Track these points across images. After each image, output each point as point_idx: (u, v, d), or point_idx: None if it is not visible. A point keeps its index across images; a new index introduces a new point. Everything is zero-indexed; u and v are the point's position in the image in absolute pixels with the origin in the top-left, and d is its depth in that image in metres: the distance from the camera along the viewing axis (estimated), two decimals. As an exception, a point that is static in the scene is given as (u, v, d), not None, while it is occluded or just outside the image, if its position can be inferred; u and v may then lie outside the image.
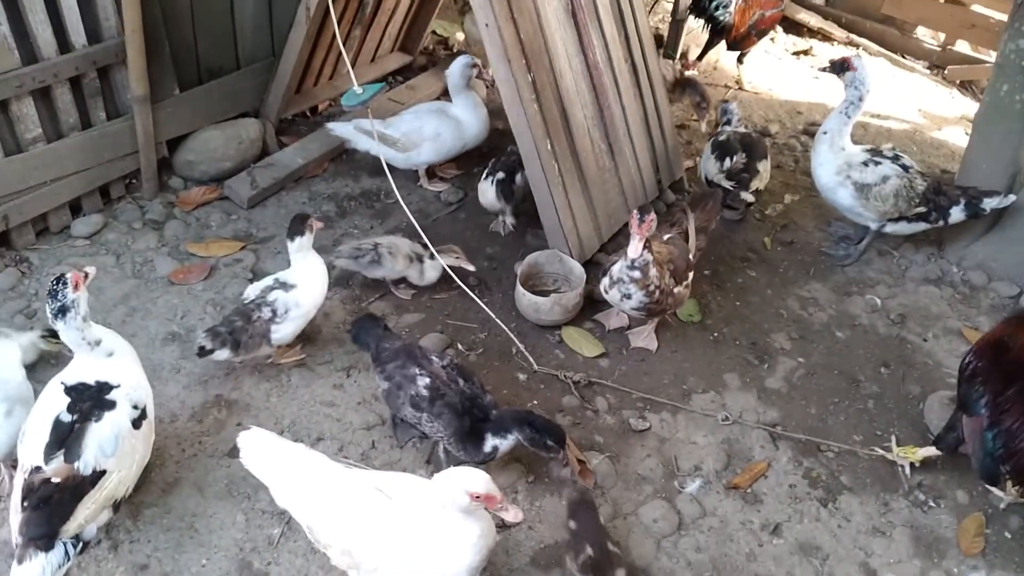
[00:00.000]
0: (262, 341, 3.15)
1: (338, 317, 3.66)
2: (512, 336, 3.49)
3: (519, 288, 3.68)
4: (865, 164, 4.04)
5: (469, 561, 2.24)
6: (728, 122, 4.76)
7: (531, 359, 3.48)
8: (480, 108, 4.45)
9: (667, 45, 6.37)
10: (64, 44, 3.65)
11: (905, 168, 4.04)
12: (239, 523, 2.74)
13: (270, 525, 2.74)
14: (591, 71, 4.11)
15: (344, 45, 4.94)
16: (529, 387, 3.42)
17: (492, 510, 2.15)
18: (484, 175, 4.13)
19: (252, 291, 3.28)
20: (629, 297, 3.31)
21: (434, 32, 6.18)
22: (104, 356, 2.55)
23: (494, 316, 3.48)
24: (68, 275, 2.47)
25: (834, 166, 4.07)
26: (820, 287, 4.21)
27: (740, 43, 6.05)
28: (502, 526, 2.77)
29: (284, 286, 3.22)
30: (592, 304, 3.81)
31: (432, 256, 3.65)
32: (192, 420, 3.08)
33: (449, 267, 3.64)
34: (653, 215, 3.12)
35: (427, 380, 2.84)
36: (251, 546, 2.68)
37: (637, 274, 3.23)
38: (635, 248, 3.12)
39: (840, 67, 4.03)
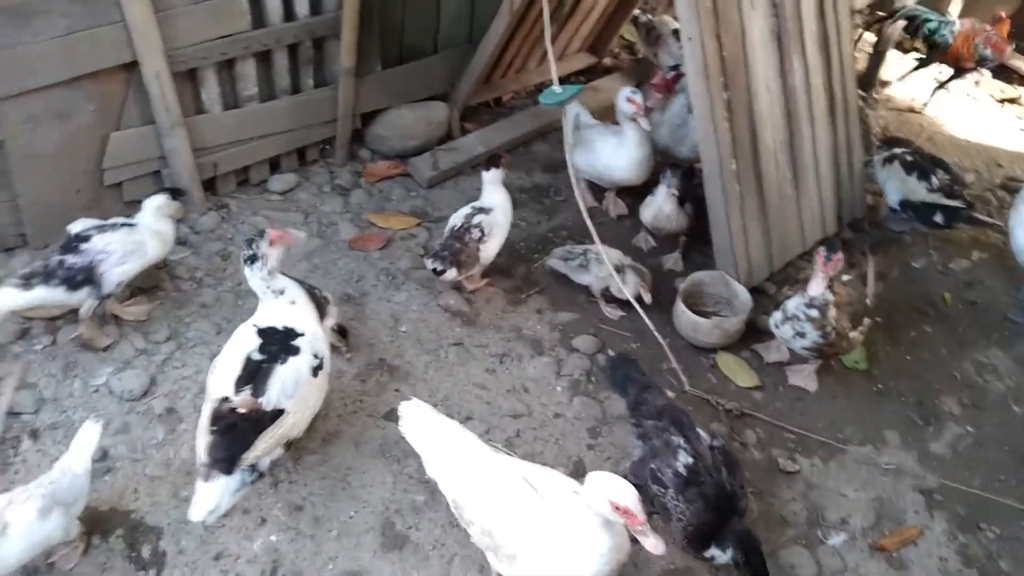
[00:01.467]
0: (476, 259, 3.58)
1: (497, 304, 3.76)
2: (668, 352, 3.46)
3: (679, 305, 3.64)
4: None
5: (595, 570, 2.24)
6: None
7: (684, 378, 3.43)
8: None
9: (864, 77, 6.09)
10: (289, 13, 3.94)
11: None
12: (387, 484, 2.87)
13: (416, 491, 2.86)
14: (787, 95, 3.99)
15: (537, 43, 5.08)
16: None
17: (631, 529, 2.14)
18: (656, 192, 3.97)
19: (457, 219, 3.68)
20: (802, 336, 3.20)
21: (621, 36, 6.18)
22: (287, 303, 2.72)
23: (653, 328, 3.46)
24: (270, 231, 2.66)
25: None
26: (1001, 355, 3.91)
27: (957, 67, 5.84)
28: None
29: (483, 211, 3.67)
30: (753, 332, 3.72)
31: (621, 271, 3.62)
32: (356, 379, 3.26)
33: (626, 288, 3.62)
34: (840, 254, 3.01)
35: (690, 460, 2.60)
36: (396, 507, 2.81)
37: (815, 313, 3.12)
38: (817, 286, 3.01)
39: None
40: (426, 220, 4.21)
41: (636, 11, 5.76)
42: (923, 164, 4.27)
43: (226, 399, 2.50)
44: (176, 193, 3.42)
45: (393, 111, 4.58)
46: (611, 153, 4.07)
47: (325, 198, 4.23)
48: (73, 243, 3.10)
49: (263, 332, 2.66)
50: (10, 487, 2.65)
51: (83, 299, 3.09)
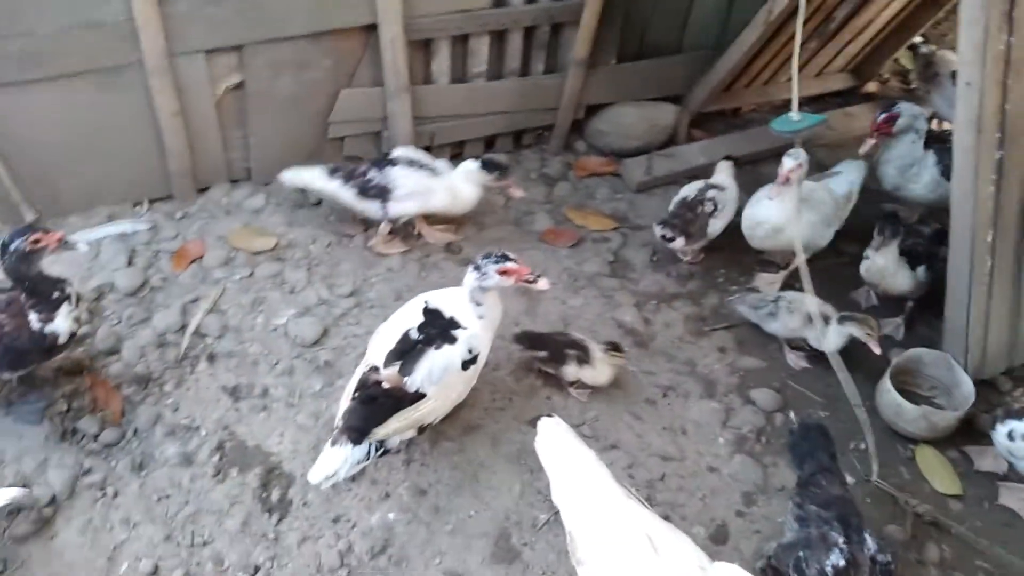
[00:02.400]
0: (703, 233, 3.64)
1: (676, 331, 3.51)
2: (866, 429, 3.02)
3: (886, 381, 3.17)
4: None
5: None
6: None
7: (875, 465, 2.99)
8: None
9: None
10: (532, -5, 3.89)
11: None
12: (514, 492, 2.78)
13: (540, 508, 2.74)
14: (1084, 165, 3.31)
15: (797, 58, 4.66)
16: (854, 494, 2.96)
17: None
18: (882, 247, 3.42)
19: (689, 191, 3.75)
20: None
21: (896, 60, 5.54)
22: (476, 316, 2.69)
23: (852, 400, 3.04)
24: (513, 264, 2.61)
25: None
26: None
27: None
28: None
29: (716, 187, 3.74)
30: (969, 431, 3.17)
31: (840, 321, 3.22)
32: (511, 376, 3.19)
33: (855, 337, 3.20)
34: None
35: (842, 563, 2.29)
36: (516, 519, 2.71)
37: None
38: None
39: None
40: (624, 225, 4.03)
41: (919, 38, 5.13)
42: None
43: (375, 369, 2.53)
44: (492, 166, 3.59)
45: (618, 107, 4.43)
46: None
47: (530, 184, 4.18)
48: (382, 162, 3.53)
49: (429, 312, 2.66)
50: (180, 402, 2.91)
51: (366, 209, 3.53)
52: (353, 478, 2.69)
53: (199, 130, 3.63)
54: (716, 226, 3.69)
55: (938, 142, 3.79)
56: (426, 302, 2.70)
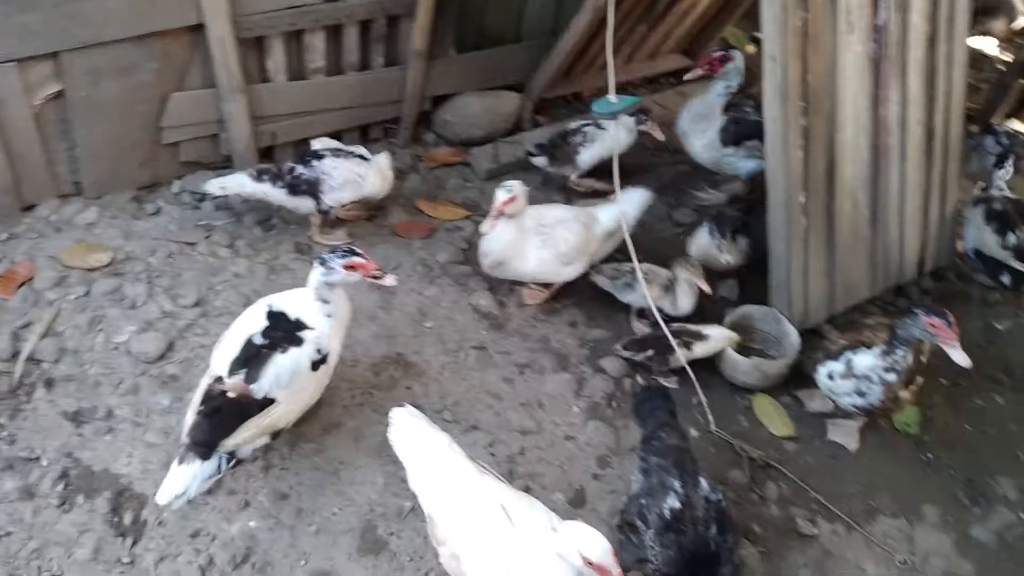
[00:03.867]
0: (571, 160, 4.05)
1: (530, 311, 3.64)
2: (697, 387, 3.26)
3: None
4: None
5: None
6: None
7: (711, 417, 3.24)
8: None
9: (983, 111, 5.59)
10: (364, -11, 3.89)
11: None
12: (378, 485, 2.82)
13: (404, 497, 2.79)
14: (878, 129, 3.66)
15: (626, 41, 4.88)
16: (698, 446, 3.17)
17: None
18: (699, 232, 3.76)
19: (571, 124, 4.15)
20: (862, 395, 2.97)
21: (723, 39, 5.87)
22: (323, 315, 2.66)
23: (683, 360, 3.27)
24: (357, 257, 2.60)
25: None
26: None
27: None
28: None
29: (598, 126, 4.09)
30: (797, 377, 3.46)
31: (670, 289, 3.51)
32: (370, 370, 3.22)
33: (687, 282, 3.49)
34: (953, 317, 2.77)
35: (678, 504, 2.46)
36: (381, 511, 2.75)
37: (893, 378, 2.89)
38: (962, 358, 2.74)
39: None
40: (476, 213, 4.11)
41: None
42: (1008, 217, 3.95)
43: (220, 379, 2.48)
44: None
45: (462, 97, 4.50)
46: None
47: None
48: (307, 157, 3.59)
49: (272, 315, 2.63)
50: (16, 434, 2.77)
51: (299, 205, 3.59)
52: (210, 490, 2.64)
53: (18, 144, 3.42)
54: (584, 157, 4.08)
55: (733, 109, 4.07)
56: (269, 305, 2.66)
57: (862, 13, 3.45)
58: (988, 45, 6.92)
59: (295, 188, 3.54)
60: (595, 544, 2.01)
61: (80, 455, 2.73)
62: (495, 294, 3.65)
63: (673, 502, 2.46)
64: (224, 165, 3.96)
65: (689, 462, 2.61)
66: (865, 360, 2.95)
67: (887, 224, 3.84)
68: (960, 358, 2.71)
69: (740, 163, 4.17)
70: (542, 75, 4.68)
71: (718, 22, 5.39)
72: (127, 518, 2.59)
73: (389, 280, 2.72)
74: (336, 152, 3.66)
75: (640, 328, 3.61)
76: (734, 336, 3.38)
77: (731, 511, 2.56)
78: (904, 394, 3.05)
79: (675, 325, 3.35)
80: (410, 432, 2.52)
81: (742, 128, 4.03)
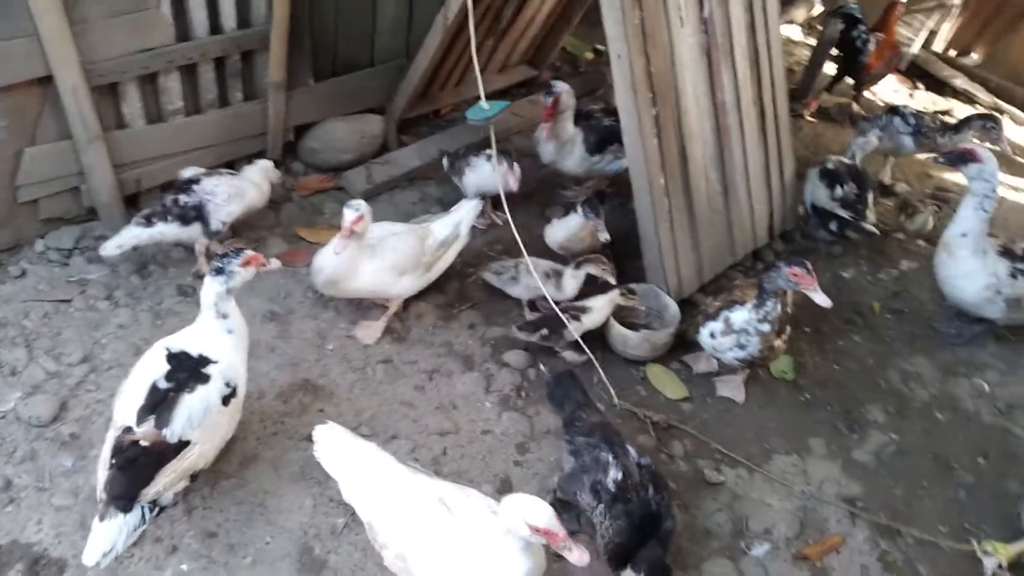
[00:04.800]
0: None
1: (428, 320, 3.72)
2: (596, 365, 3.46)
3: (610, 318, 3.65)
4: (1014, 276, 3.68)
5: None
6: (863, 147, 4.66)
7: (612, 391, 3.44)
8: None
9: (799, 90, 6.22)
10: (216, 26, 3.86)
11: None
12: (307, 507, 2.82)
13: (336, 514, 2.80)
14: (717, 111, 4.04)
15: (476, 55, 5.06)
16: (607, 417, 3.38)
17: (555, 547, 2.13)
18: (570, 218, 3.89)
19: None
20: (743, 348, 3.23)
21: (563, 49, 6.21)
22: (223, 332, 2.65)
23: (581, 342, 3.46)
24: (247, 252, 2.64)
25: (984, 279, 3.69)
26: (926, 363, 4.00)
27: (866, 83, 6.24)
28: (558, 559, 2.75)
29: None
30: (682, 344, 3.74)
31: (577, 266, 3.68)
32: (278, 399, 3.20)
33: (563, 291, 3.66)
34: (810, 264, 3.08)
35: (619, 475, 2.61)
36: (315, 532, 2.75)
37: (767, 328, 3.16)
38: (823, 299, 3.03)
39: (961, 158, 3.63)
40: (358, 235, 4.15)
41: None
42: (838, 173, 4.42)
43: (128, 429, 2.40)
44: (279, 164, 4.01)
45: (326, 124, 4.53)
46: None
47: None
48: (185, 185, 3.59)
49: (173, 357, 2.57)
50: (-96, 521, 2.56)
51: (194, 234, 3.58)
52: (135, 542, 2.55)
53: None
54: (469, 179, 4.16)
55: (584, 119, 4.34)
56: (167, 348, 2.61)
57: (690, 7, 3.81)
58: (792, 31, 7.69)
59: (185, 218, 3.54)
60: (539, 511, 2.11)
61: (-17, 531, 2.57)
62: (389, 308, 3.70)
63: (615, 473, 2.60)
64: (88, 218, 3.81)
65: (615, 435, 2.78)
66: (740, 315, 3.24)
67: (737, 196, 4.22)
68: (821, 299, 3.03)
69: (609, 167, 4.45)
70: (401, 96, 4.80)
71: (556, 32, 5.69)
72: (47, 586, 2.46)
73: (274, 263, 2.81)
74: (209, 173, 3.71)
75: (531, 316, 3.76)
76: (616, 298, 3.59)
77: (659, 470, 2.75)
78: (778, 343, 3.37)
79: (563, 304, 3.53)
80: (336, 446, 2.55)
81: (601, 135, 4.30)
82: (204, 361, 2.58)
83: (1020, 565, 3.03)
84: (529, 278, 3.64)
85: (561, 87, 4.10)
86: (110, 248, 3.44)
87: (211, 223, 3.59)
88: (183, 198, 3.56)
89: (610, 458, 2.66)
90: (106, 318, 3.40)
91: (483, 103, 3.49)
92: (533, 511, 2.12)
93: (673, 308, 3.76)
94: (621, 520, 2.55)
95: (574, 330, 3.43)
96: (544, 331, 3.49)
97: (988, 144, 4.71)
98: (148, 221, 3.49)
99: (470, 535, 2.28)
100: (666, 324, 3.75)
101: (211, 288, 2.62)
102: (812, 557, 3.01)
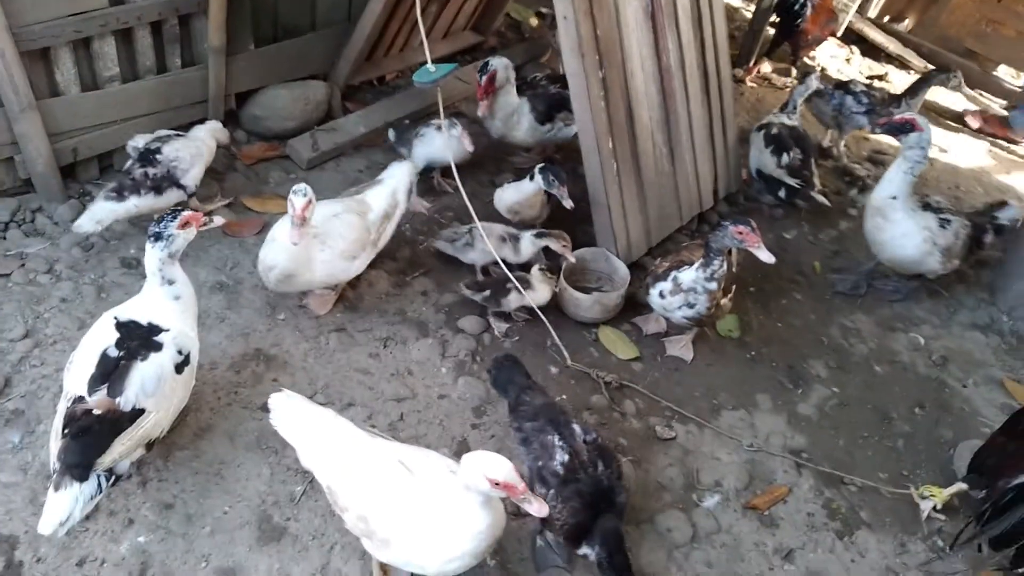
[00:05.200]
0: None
1: (381, 287, 3.71)
2: (549, 328, 3.51)
3: (562, 282, 3.69)
4: (942, 226, 3.88)
5: (473, 547, 2.27)
6: (803, 92, 4.71)
7: (565, 353, 3.49)
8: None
9: (741, 55, 6.31)
10: (152, -12, 3.73)
11: (968, 218, 4.02)
12: (264, 476, 2.81)
13: (294, 482, 2.81)
14: (663, 74, 4.08)
15: (420, 18, 4.99)
16: (560, 381, 3.45)
17: (515, 500, 2.17)
18: (524, 185, 3.86)
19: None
20: (692, 306, 3.31)
21: (508, 15, 6.17)
22: (171, 298, 2.60)
23: (534, 306, 3.50)
24: (184, 212, 2.56)
25: (921, 234, 3.83)
26: (865, 319, 4.16)
27: (803, 48, 6.32)
28: (517, 514, 2.81)
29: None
30: (632, 306, 3.82)
31: (537, 236, 3.68)
32: (231, 370, 3.16)
33: (550, 248, 3.69)
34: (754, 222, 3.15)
35: (565, 457, 2.60)
36: (273, 500, 2.75)
37: (714, 286, 3.24)
38: (767, 255, 3.10)
39: (902, 128, 3.73)
40: (306, 203, 4.09)
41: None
42: (783, 140, 4.49)
43: (80, 399, 2.37)
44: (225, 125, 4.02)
45: (269, 90, 4.43)
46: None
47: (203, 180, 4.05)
48: (145, 156, 3.55)
49: (122, 326, 2.53)
50: None
51: (170, 200, 3.55)
52: (88, 516, 2.51)
53: None
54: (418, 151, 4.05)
55: (529, 88, 4.33)
56: (115, 317, 2.57)
57: (633, -31, 3.81)
58: (734, -2, 7.78)
59: (159, 188, 3.52)
60: (498, 465, 2.15)
61: (-72, 512, 2.50)
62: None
63: (562, 456, 2.60)
64: (24, 190, 3.67)
65: (559, 414, 2.77)
66: (688, 275, 3.32)
67: (683, 159, 4.29)
68: (765, 256, 3.12)
69: (560, 134, 4.42)
70: (344, 62, 4.71)
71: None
72: (0, 564, 2.41)
73: (218, 220, 2.76)
74: (163, 138, 3.66)
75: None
76: (537, 274, 3.58)
77: (606, 442, 2.77)
78: (724, 301, 3.47)
79: (517, 273, 3.55)
80: (293, 413, 2.54)
81: (548, 103, 4.28)
82: (155, 329, 2.55)
83: (952, 507, 3.21)
84: (483, 243, 3.64)
85: (497, 63, 4.01)
86: (87, 224, 3.36)
87: (186, 185, 3.63)
88: (151, 170, 3.52)
89: (556, 440, 2.64)
90: (48, 292, 3.29)
91: (429, 65, 3.46)
92: (492, 465, 2.15)
93: (623, 271, 3.82)
94: (573, 501, 2.54)
95: (526, 297, 3.46)
96: (487, 293, 3.51)
97: (953, 92, 4.89)
98: (120, 195, 3.42)
99: (431, 493, 2.31)
100: (616, 287, 3.81)
101: (153, 255, 2.57)
102: (761, 507, 3.13)
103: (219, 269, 3.59)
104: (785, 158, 4.42)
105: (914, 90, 5.10)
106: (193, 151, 3.67)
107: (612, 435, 3.24)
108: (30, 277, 3.34)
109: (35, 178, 3.64)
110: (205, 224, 2.67)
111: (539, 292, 3.55)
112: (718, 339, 3.83)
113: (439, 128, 4.00)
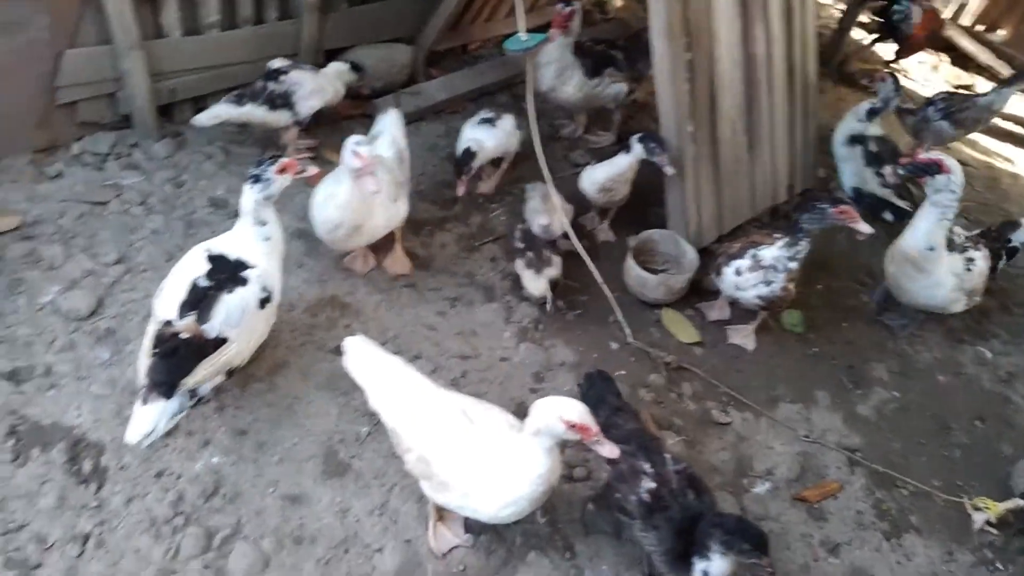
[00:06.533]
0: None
1: (451, 250, 3.81)
2: (614, 304, 3.55)
3: (629, 260, 3.72)
4: (968, 268, 3.60)
5: (530, 491, 2.32)
6: (884, 103, 4.37)
7: (627, 330, 3.53)
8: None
9: (830, 50, 6.22)
10: (257, -59, 3.87)
11: (990, 251, 3.75)
12: (332, 415, 2.93)
13: (360, 423, 2.92)
14: (749, 63, 4.06)
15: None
16: (619, 357, 3.49)
17: (587, 442, 2.21)
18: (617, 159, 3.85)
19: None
20: (768, 284, 3.32)
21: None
22: (261, 239, 2.71)
23: (600, 280, 3.55)
24: (284, 159, 2.67)
25: (951, 283, 3.55)
26: (932, 328, 4.09)
27: (909, 50, 6.23)
28: (571, 479, 2.88)
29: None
30: (697, 291, 3.83)
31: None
32: (307, 313, 3.29)
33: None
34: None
35: (653, 484, 2.47)
36: (339, 438, 2.87)
37: (795, 266, 3.27)
38: (866, 227, 3.13)
39: (927, 169, 3.34)
40: (387, 162, 4.20)
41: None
42: (885, 158, 4.30)
43: (169, 323, 2.50)
44: (356, 67, 4.21)
45: (357, 49, 4.54)
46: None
47: (284, 133, 4.19)
48: (274, 74, 3.85)
49: (213, 258, 2.66)
50: (-51, 397, 2.66)
51: (278, 119, 3.86)
52: (168, 433, 2.66)
53: None
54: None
55: (578, 50, 4.33)
56: (207, 250, 2.69)
57: (730, -44, 3.80)
58: (824, -4, 7.64)
59: (273, 103, 3.80)
60: (573, 407, 2.20)
61: (25, 412, 2.68)
62: (418, 236, 3.78)
63: (648, 483, 2.49)
64: (122, 125, 3.85)
65: (651, 441, 2.66)
66: (770, 252, 3.32)
67: (761, 150, 4.27)
68: (864, 227, 3.13)
69: (606, 91, 4.48)
70: (432, 28, 4.80)
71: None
72: (87, 466, 2.58)
73: (312, 169, 2.83)
74: (296, 66, 3.93)
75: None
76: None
77: (698, 474, 2.62)
78: (791, 288, 3.44)
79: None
80: (365, 357, 2.64)
81: (595, 58, 4.38)
82: (243, 265, 2.66)
83: (1006, 523, 3.17)
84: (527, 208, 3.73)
85: (577, 6, 4.15)
86: (204, 119, 3.67)
87: (298, 111, 3.89)
88: (272, 85, 3.81)
89: (646, 466, 2.50)
90: (140, 223, 3.46)
91: (521, 34, 3.50)
92: (568, 407, 2.20)
93: (691, 255, 3.83)
94: (663, 529, 2.41)
95: (542, 281, 3.51)
96: (530, 255, 3.53)
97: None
98: (239, 100, 3.73)
99: (490, 440, 2.37)
100: (683, 270, 3.82)
101: (249, 195, 2.68)
102: (810, 499, 3.14)
103: (301, 217, 3.71)
104: (890, 178, 4.26)
105: (1009, 81, 4.94)
106: (315, 85, 3.91)
107: (667, 414, 3.28)
108: (125, 208, 3.51)
109: (134, 114, 3.82)
110: (299, 172, 2.76)
111: (539, 281, 3.52)
112: (781, 332, 3.83)
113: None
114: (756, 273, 3.33)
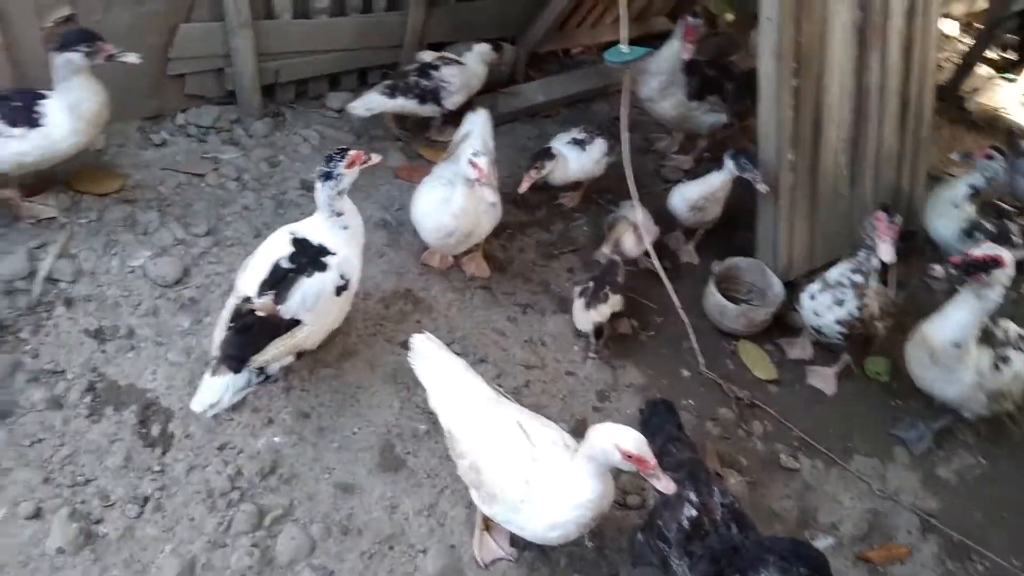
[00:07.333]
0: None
1: (529, 256, 3.77)
2: (689, 329, 3.45)
3: (711, 287, 3.61)
4: (996, 367, 3.09)
5: (578, 516, 2.26)
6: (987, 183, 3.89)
7: (701, 359, 3.43)
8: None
9: (950, 85, 5.91)
10: (370, -68, 3.92)
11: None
12: (394, 408, 2.94)
13: (420, 420, 2.92)
14: (860, 93, 3.88)
15: (614, 2, 4.97)
16: (689, 386, 3.39)
17: (644, 474, 2.15)
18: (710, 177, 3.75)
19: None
20: (840, 304, 3.18)
21: (706, 8, 6.01)
22: (339, 228, 2.74)
23: (678, 304, 3.45)
24: (351, 152, 2.67)
25: (969, 378, 3.06)
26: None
27: None
28: (623, 506, 2.81)
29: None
30: (779, 326, 3.69)
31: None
32: (380, 303, 3.31)
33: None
34: (900, 219, 3.02)
35: (694, 512, 2.37)
36: (398, 432, 2.87)
37: (860, 278, 3.13)
38: (888, 251, 2.96)
39: (984, 266, 2.83)
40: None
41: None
42: (995, 236, 3.86)
43: (248, 299, 2.56)
44: (497, 46, 4.32)
45: (458, 46, 4.53)
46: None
47: (379, 122, 4.23)
48: (426, 69, 4.04)
49: (297, 241, 2.70)
50: (39, 348, 2.79)
51: (426, 111, 4.09)
52: (234, 407, 2.73)
53: (27, 65, 3.36)
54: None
55: (690, 68, 4.14)
56: (292, 232, 2.73)
57: (851, -19, 3.63)
58: (949, 26, 7.24)
59: (423, 97, 4.01)
60: (631, 437, 2.14)
61: (105, 370, 2.79)
62: (498, 238, 3.76)
63: (689, 511, 2.40)
64: (227, 100, 3.97)
65: (702, 472, 2.56)
66: (836, 270, 3.22)
67: (864, 186, 4.08)
68: (886, 252, 2.95)
69: (703, 117, 4.33)
70: (536, 29, 4.78)
71: (700, -12, 5.52)
72: (155, 430, 2.66)
73: (375, 157, 2.82)
74: (445, 60, 4.12)
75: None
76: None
77: (746, 511, 2.48)
78: (880, 326, 3.27)
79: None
80: (430, 356, 2.63)
81: (703, 82, 4.21)
82: (324, 251, 2.70)
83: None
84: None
85: (698, 22, 3.99)
86: (359, 108, 3.90)
87: (445, 106, 4.10)
88: (423, 81, 4.01)
89: (692, 495, 2.41)
90: (233, 198, 3.56)
91: (623, 46, 3.43)
92: (625, 436, 2.14)
93: (778, 287, 3.69)
94: (703, 563, 2.29)
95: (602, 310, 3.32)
96: (591, 283, 3.35)
97: None
98: (392, 92, 3.94)
99: (543, 458, 2.32)
100: (767, 303, 3.69)
101: (322, 192, 2.69)
102: (875, 561, 2.98)
103: (385, 208, 3.76)
104: (939, 275, 3.84)
105: None
106: (463, 80, 4.10)
107: (732, 451, 3.17)
108: (220, 181, 3.62)
109: (239, 91, 3.93)
110: (365, 162, 2.74)
111: (584, 316, 3.33)
112: (864, 379, 3.64)
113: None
114: (826, 294, 3.20)
